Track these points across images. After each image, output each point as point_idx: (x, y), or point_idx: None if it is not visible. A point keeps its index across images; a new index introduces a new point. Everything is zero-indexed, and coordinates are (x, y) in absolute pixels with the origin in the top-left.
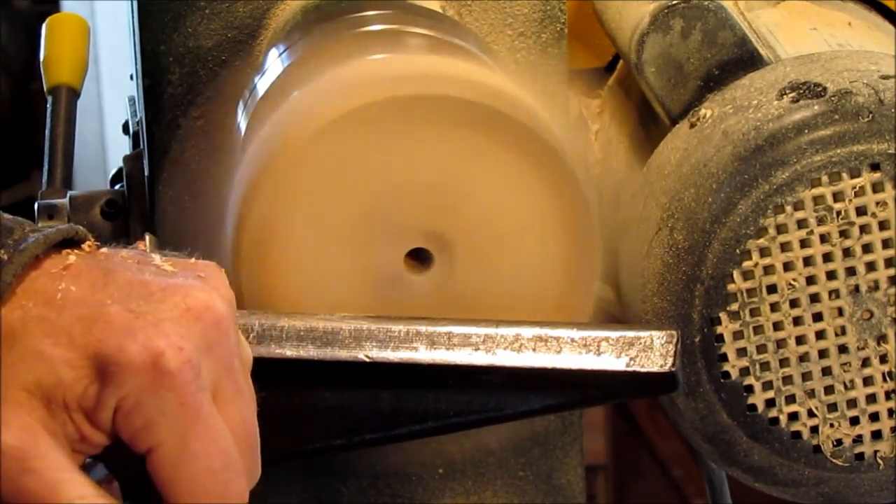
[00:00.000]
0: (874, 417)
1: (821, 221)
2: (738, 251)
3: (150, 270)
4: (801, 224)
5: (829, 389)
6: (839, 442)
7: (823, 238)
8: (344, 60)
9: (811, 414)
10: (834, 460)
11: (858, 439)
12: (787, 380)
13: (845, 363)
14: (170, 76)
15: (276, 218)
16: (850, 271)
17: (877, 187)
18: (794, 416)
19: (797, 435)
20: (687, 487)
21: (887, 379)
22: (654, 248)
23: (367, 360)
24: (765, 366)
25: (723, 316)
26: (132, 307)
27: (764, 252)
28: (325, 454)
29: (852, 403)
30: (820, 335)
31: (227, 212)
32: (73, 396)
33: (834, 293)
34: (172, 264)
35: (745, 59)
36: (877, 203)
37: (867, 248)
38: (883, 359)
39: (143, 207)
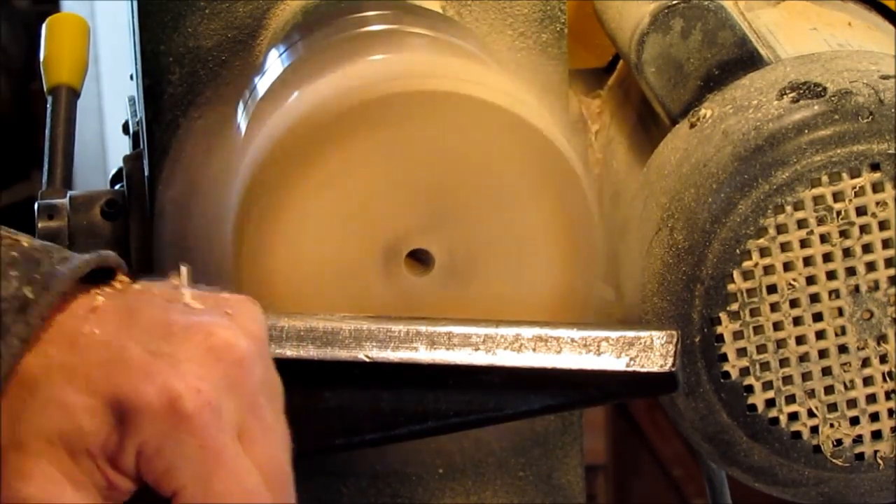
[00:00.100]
0: (874, 417)
1: (821, 221)
2: (738, 251)
3: (176, 308)
4: (801, 224)
5: (829, 389)
6: (839, 442)
7: (823, 238)
8: (344, 60)
9: (811, 414)
10: (834, 460)
11: (858, 439)
12: (787, 380)
13: (845, 363)
14: (170, 76)
15: (275, 217)
16: (850, 271)
17: (877, 187)
18: (794, 416)
19: (797, 435)
20: (687, 487)
21: (887, 379)
22: (654, 248)
23: (367, 360)
24: (765, 366)
25: (723, 316)
26: (153, 348)
27: (764, 252)
28: (325, 454)
29: (852, 403)
30: (820, 335)
31: (227, 212)
32: (95, 444)
33: (834, 293)
34: (202, 300)
35: (745, 59)
36: (877, 203)
37: (867, 248)
38: (883, 359)
39: (143, 207)
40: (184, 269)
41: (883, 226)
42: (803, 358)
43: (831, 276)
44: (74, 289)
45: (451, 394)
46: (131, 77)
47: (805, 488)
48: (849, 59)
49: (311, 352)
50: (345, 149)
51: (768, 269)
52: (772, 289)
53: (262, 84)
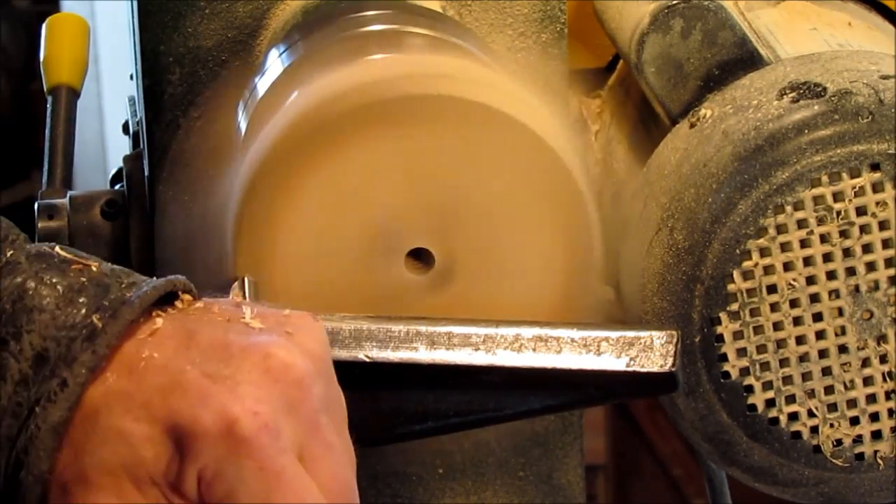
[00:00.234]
0: (874, 417)
1: (821, 221)
2: (738, 251)
3: (235, 329)
4: (801, 224)
5: (829, 389)
6: (839, 442)
7: (823, 238)
8: (344, 61)
9: (811, 414)
10: (834, 460)
11: (858, 439)
12: (787, 380)
13: (845, 363)
14: (170, 76)
15: (275, 217)
16: (850, 271)
17: (877, 187)
18: (794, 417)
19: (797, 435)
20: (687, 487)
21: (887, 379)
22: (654, 248)
23: (367, 360)
24: (765, 366)
25: (723, 316)
26: (210, 371)
27: (764, 252)
28: None
29: (852, 403)
30: (820, 335)
31: (227, 211)
32: (157, 472)
33: (834, 293)
34: (262, 319)
35: (745, 59)
36: (877, 203)
37: (867, 249)
38: (883, 359)
39: (143, 207)
40: (246, 280)
41: (883, 226)
42: (803, 358)
43: (831, 276)
44: (139, 314)
45: (451, 394)
46: (131, 77)
47: (805, 488)
48: (849, 59)
49: None
50: (345, 148)
51: (768, 269)
52: (772, 289)
53: (262, 84)
